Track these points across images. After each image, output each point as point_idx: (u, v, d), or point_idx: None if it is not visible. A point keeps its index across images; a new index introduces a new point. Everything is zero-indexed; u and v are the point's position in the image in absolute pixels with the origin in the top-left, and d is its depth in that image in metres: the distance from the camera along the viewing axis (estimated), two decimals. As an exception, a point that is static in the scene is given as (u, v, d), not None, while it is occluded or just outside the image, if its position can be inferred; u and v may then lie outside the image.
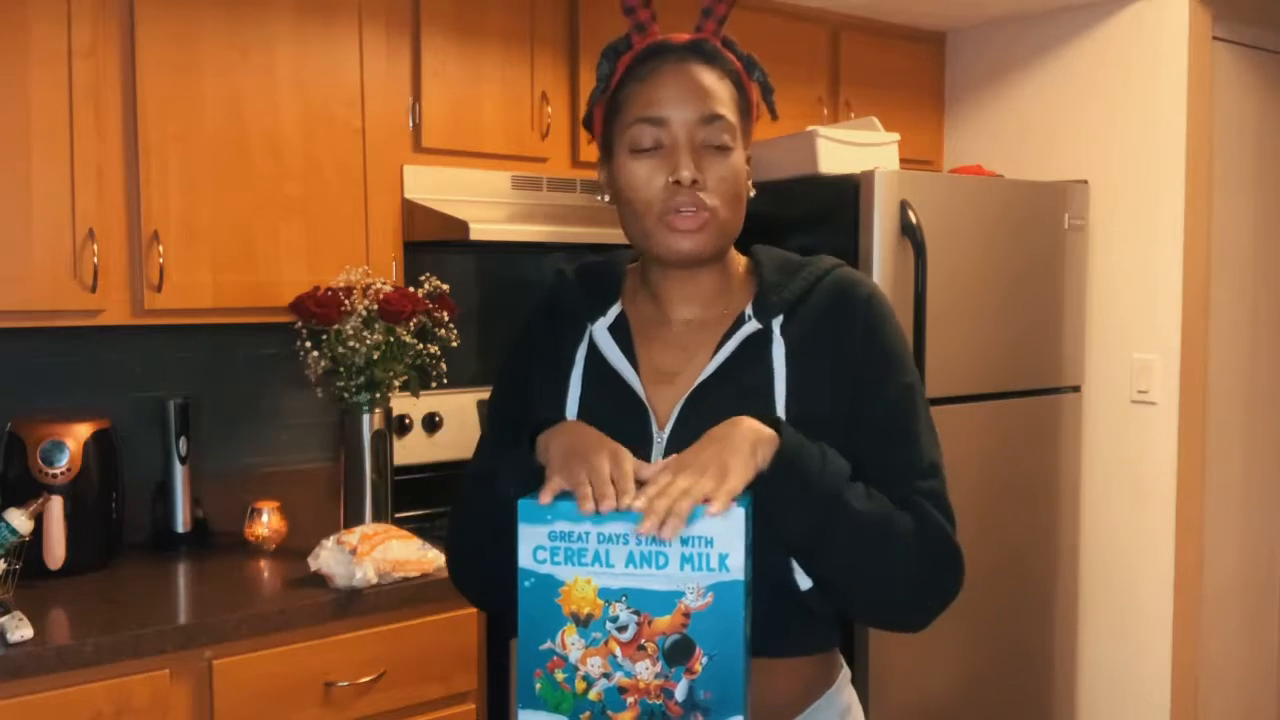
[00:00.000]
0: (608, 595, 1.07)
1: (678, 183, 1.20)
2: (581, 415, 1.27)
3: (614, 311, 1.32)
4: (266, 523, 2.60)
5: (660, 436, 1.24)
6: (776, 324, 1.27)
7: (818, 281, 1.30)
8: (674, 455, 1.13)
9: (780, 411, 1.23)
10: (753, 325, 1.26)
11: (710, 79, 1.24)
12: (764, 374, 1.25)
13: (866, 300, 1.29)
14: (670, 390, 1.27)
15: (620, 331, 1.30)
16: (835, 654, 1.35)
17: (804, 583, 1.21)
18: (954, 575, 1.25)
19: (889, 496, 1.21)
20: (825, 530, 1.15)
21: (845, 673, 1.37)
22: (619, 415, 1.26)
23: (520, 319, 1.41)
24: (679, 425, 1.24)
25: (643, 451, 1.22)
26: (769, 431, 1.14)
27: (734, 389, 1.24)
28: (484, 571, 1.30)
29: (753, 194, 1.30)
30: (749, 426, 1.14)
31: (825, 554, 1.17)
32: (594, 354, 1.30)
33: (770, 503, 1.12)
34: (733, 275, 1.33)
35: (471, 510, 1.31)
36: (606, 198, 1.30)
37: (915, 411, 1.28)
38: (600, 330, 1.30)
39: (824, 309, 1.28)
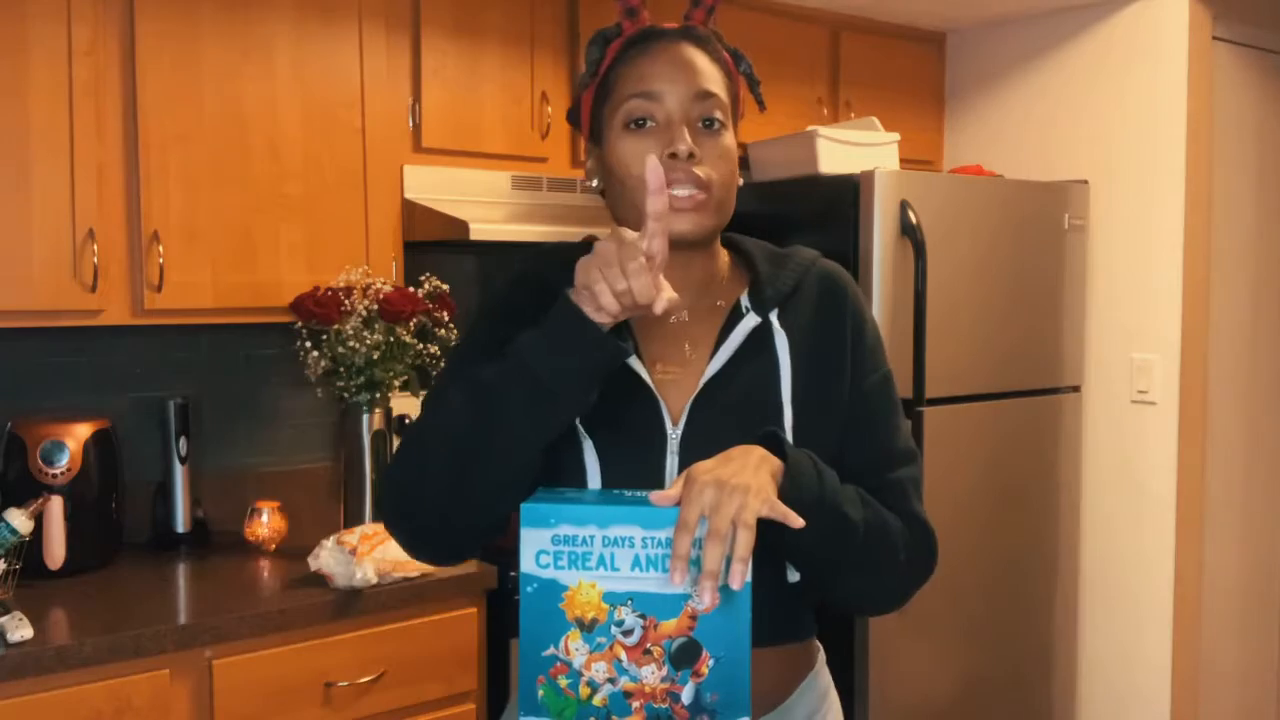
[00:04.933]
0: (613, 599, 1.06)
1: (674, 156, 1.20)
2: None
3: None
4: (266, 523, 2.60)
5: (674, 433, 1.23)
6: (774, 316, 1.27)
7: (805, 273, 1.31)
8: (693, 470, 1.08)
9: (786, 401, 1.24)
10: (753, 319, 1.27)
11: (703, 60, 1.25)
12: (768, 366, 1.25)
13: (854, 296, 1.32)
14: (677, 385, 1.26)
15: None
16: (814, 639, 1.37)
17: (793, 575, 1.23)
18: (933, 561, 1.30)
19: (873, 482, 1.24)
20: (825, 541, 1.16)
21: (822, 655, 1.39)
22: (628, 409, 1.24)
23: (499, 289, 1.33)
24: (690, 422, 1.23)
25: (657, 447, 1.22)
26: (776, 460, 1.13)
27: (740, 382, 1.24)
28: (438, 505, 1.18)
29: (740, 183, 1.30)
30: (760, 453, 1.12)
31: (822, 561, 1.19)
32: None
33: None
34: (720, 264, 1.33)
35: (434, 436, 1.18)
36: (595, 182, 1.29)
37: (895, 401, 1.33)
38: None
39: (816, 301, 1.30)
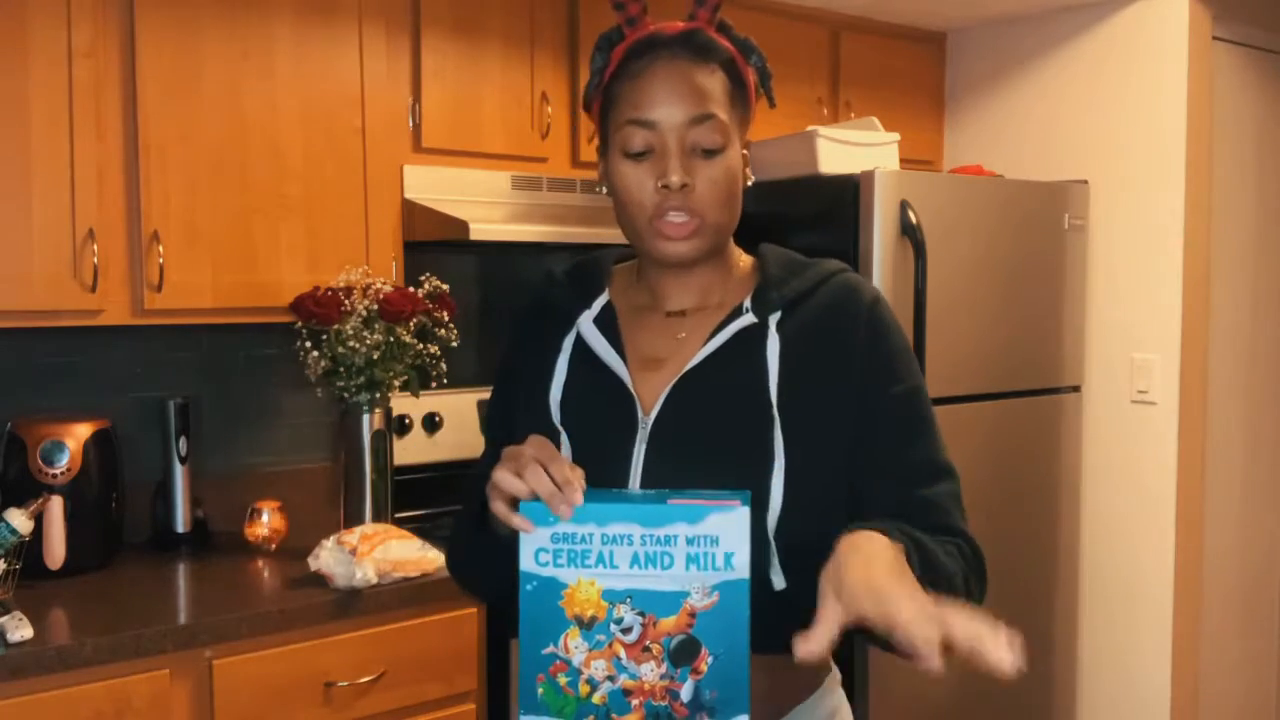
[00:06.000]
0: (612, 597, 1.06)
1: (666, 187, 1.20)
2: (565, 400, 1.27)
3: (599, 303, 1.31)
4: (266, 523, 2.60)
5: (645, 421, 1.24)
6: (773, 320, 1.26)
7: (821, 282, 1.29)
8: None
9: (774, 404, 1.22)
10: (748, 318, 1.26)
11: (702, 76, 1.22)
12: (756, 369, 1.24)
13: (871, 306, 1.28)
14: (658, 376, 1.26)
15: (606, 321, 1.30)
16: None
17: (778, 583, 1.20)
18: (985, 583, 1.29)
19: (904, 496, 1.23)
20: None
21: (834, 676, 1.35)
22: (603, 400, 1.26)
23: (511, 321, 1.42)
24: (665, 411, 1.24)
25: (627, 435, 1.23)
26: (903, 560, 1.07)
27: (724, 380, 1.24)
28: (476, 569, 1.34)
29: (750, 182, 1.29)
30: (894, 554, 1.06)
31: None
32: (580, 344, 1.30)
33: None
34: (732, 268, 1.32)
35: (463, 513, 1.35)
36: (604, 189, 1.30)
37: (926, 415, 1.30)
38: (585, 321, 1.30)
39: (825, 311, 1.27)
